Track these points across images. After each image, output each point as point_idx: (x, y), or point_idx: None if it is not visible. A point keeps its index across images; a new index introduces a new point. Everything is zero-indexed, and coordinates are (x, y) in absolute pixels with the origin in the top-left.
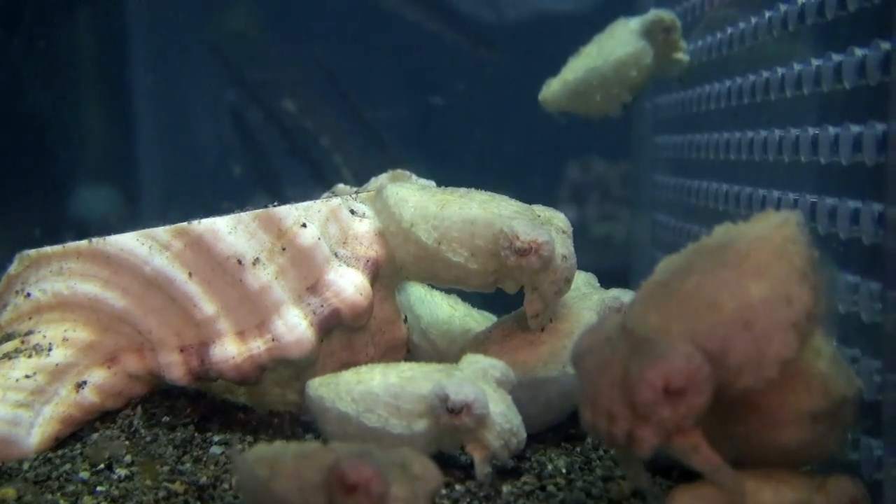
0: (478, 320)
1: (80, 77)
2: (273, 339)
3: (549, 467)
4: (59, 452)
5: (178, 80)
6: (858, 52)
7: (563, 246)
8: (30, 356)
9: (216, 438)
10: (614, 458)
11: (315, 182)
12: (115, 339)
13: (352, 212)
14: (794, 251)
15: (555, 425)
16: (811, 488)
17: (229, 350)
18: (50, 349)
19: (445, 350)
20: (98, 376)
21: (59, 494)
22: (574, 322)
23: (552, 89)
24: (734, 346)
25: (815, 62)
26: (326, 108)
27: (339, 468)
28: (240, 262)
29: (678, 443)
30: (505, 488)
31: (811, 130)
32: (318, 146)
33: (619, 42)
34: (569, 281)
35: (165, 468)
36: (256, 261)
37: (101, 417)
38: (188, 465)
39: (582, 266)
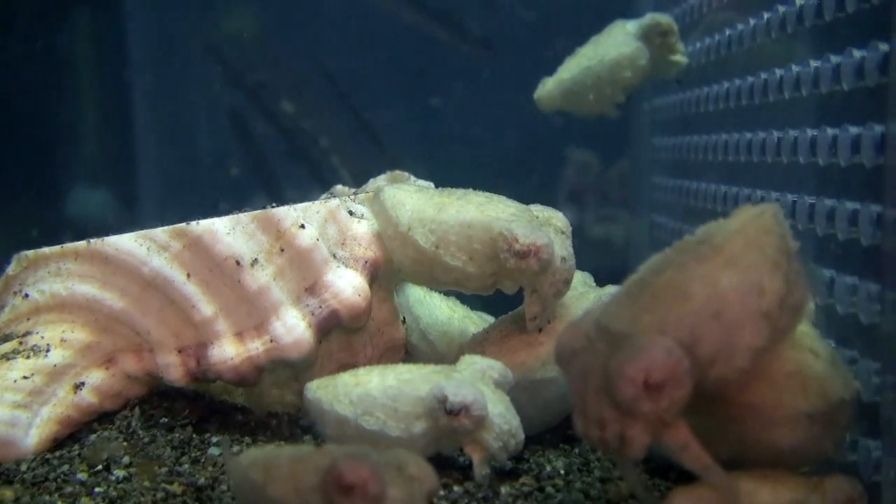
0: (476, 322)
1: (79, 78)
2: (271, 341)
3: (548, 468)
4: (57, 453)
5: (176, 80)
6: (857, 53)
7: (561, 248)
8: (28, 357)
9: (214, 439)
10: (612, 459)
11: (314, 183)
12: (113, 340)
13: (350, 213)
14: (768, 241)
15: (553, 426)
16: (808, 489)
17: (227, 351)
18: (48, 350)
19: (444, 351)
20: (96, 377)
21: (56, 496)
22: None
23: (547, 88)
24: (704, 336)
25: (813, 64)
26: (325, 109)
27: (336, 469)
28: (238, 263)
29: (668, 441)
30: (503, 489)
31: (809, 132)
32: (317, 147)
33: (615, 43)
34: (568, 282)
35: (163, 469)
36: (255, 262)
37: (99, 418)
38: (186, 466)
39: (580, 267)
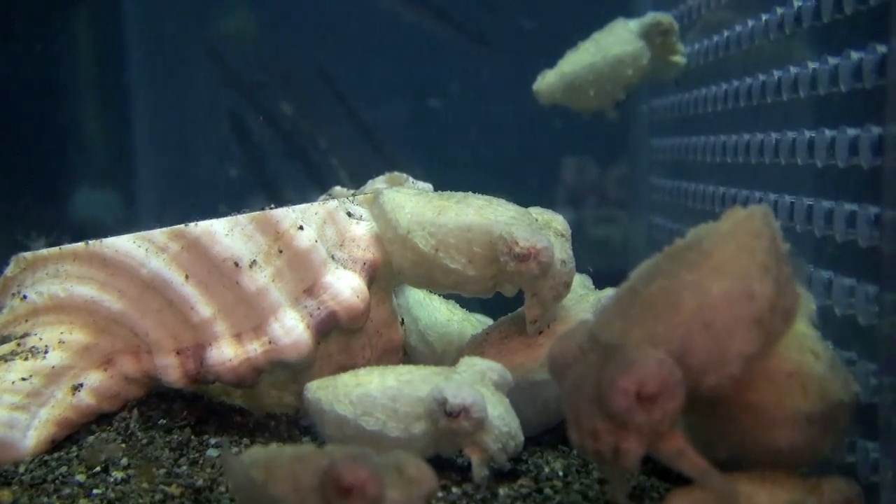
0: (475, 324)
1: (77, 79)
2: (270, 342)
3: (546, 470)
4: (56, 455)
5: (175, 81)
6: (855, 55)
7: (561, 250)
8: (26, 359)
9: (213, 441)
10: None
11: (312, 184)
12: (111, 342)
13: (349, 214)
14: (757, 246)
15: (552, 427)
16: (806, 490)
17: (226, 353)
18: (46, 352)
19: (443, 353)
20: (94, 379)
21: (55, 497)
22: (571, 325)
23: (547, 81)
24: (695, 345)
25: (811, 65)
26: (324, 110)
27: (335, 470)
28: (236, 264)
29: (663, 449)
30: (501, 491)
31: (807, 133)
32: (316, 148)
33: (618, 40)
34: (568, 285)
35: (162, 471)
36: (253, 263)
37: (98, 420)
38: (185, 467)
39: (578, 269)
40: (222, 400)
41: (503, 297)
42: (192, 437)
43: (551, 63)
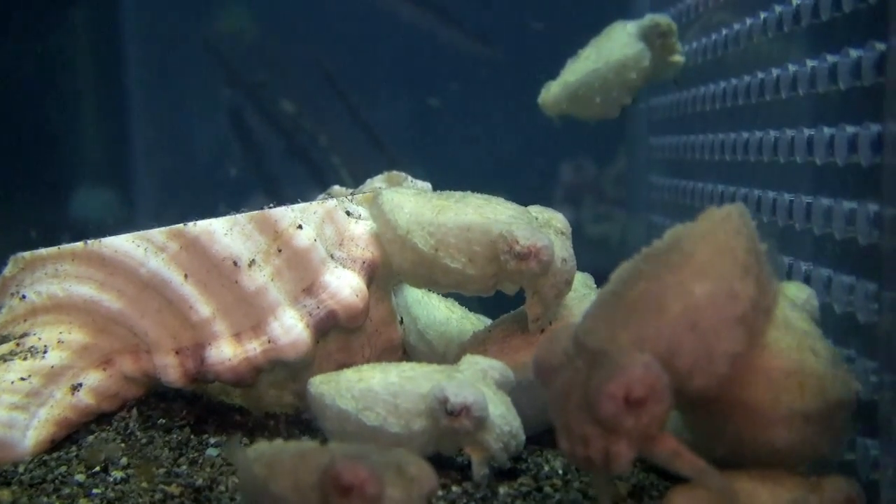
0: (474, 323)
1: (76, 78)
2: (269, 341)
3: (546, 468)
4: (55, 455)
5: (174, 80)
6: (853, 52)
7: (562, 249)
8: (25, 358)
9: (212, 440)
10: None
11: (313, 183)
12: (110, 342)
13: (348, 213)
14: (737, 245)
15: (552, 427)
16: (807, 489)
17: (225, 352)
18: (45, 351)
19: (442, 351)
20: (93, 378)
21: (54, 497)
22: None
23: (552, 92)
24: (682, 348)
25: (810, 63)
26: (324, 108)
27: (334, 469)
28: (235, 263)
29: (658, 452)
30: (502, 489)
31: (807, 131)
32: (316, 147)
33: (618, 44)
34: (569, 283)
35: (161, 470)
36: (252, 262)
37: (97, 420)
38: (184, 467)
39: (578, 267)
40: (221, 399)
41: (502, 296)
42: (192, 436)
43: (550, 63)
